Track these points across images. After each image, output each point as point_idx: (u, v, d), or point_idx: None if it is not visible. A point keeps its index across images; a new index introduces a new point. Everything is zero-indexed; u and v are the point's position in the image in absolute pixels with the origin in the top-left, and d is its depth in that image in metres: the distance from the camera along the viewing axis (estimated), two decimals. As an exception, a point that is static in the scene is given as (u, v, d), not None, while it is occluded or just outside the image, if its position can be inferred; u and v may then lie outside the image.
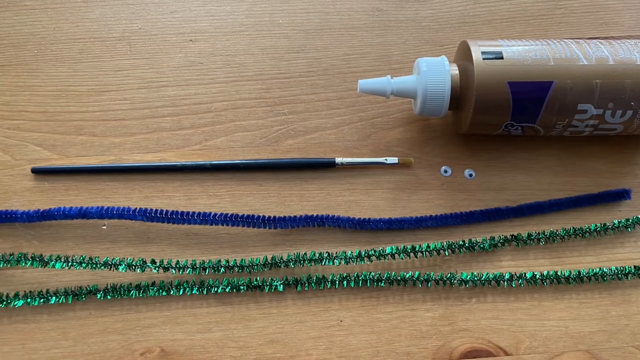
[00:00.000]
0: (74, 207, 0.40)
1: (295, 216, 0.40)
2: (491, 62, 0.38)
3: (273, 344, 0.38)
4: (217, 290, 0.38)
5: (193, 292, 0.38)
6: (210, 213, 0.40)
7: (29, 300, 0.38)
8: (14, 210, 0.40)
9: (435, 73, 0.40)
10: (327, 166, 0.42)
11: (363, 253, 0.39)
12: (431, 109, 0.41)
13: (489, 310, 0.39)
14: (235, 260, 0.39)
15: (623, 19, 0.48)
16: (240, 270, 0.39)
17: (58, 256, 0.38)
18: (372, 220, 0.41)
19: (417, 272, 0.39)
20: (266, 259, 0.39)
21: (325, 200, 0.42)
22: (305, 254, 0.39)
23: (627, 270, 0.39)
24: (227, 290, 0.38)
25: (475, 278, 0.39)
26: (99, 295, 0.38)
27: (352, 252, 0.39)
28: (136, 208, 0.40)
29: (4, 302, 0.38)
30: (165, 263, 0.39)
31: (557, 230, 0.41)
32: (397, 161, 0.42)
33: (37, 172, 0.42)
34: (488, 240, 0.40)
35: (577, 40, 0.40)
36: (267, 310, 0.39)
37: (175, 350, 0.37)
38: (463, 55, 0.40)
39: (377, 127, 0.44)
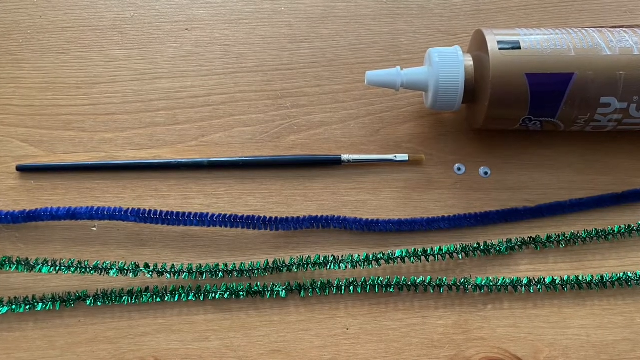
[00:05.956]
0: (61, 207, 0.39)
1: (298, 217, 0.40)
2: (508, 53, 0.38)
3: (275, 354, 0.37)
4: (214, 296, 0.38)
5: (189, 298, 0.38)
6: (207, 214, 0.39)
7: (13, 307, 0.38)
8: (-2, 210, 0.40)
9: (448, 64, 0.40)
10: (332, 163, 0.42)
11: (371, 256, 0.39)
12: (444, 102, 0.40)
13: (506, 318, 0.39)
14: (234, 264, 0.39)
15: (648, 7, 0.48)
16: (239, 275, 0.39)
17: (45, 260, 0.38)
18: (381, 221, 0.40)
19: (428, 277, 0.39)
20: (267, 263, 0.39)
21: (330, 200, 0.42)
22: (309, 257, 0.39)
23: (653, 275, 0.39)
24: (225, 296, 0.38)
25: (491, 283, 0.39)
26: (88, 302, 0.38)
27: (359, 256, 0.39)
28: (128, 208, 0.39)
29: (-12, 309, 0.38)
30: (159, 267, 0.39)
31: (578, 232, 0.40)
32: (407, 158, 0.42)
33: (23, 169, 0.42)
34: (504, 243, 0.40)
35: (600, 29, 0.40)
36: (269, 317, 0.38)
37: (171, 360, 0.37)
38: (478, 45, 0.40)
39: (386, 122, 0.44)
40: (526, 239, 0.40)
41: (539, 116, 0.39)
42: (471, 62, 0.40)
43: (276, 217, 0.40)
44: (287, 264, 0.39)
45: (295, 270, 0.39)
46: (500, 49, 0.38)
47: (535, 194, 0.42)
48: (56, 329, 0.38)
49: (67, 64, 0.45)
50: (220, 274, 0.39)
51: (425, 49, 0.45)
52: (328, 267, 0.39)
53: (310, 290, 0.39)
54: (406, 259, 0.39)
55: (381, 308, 0.39)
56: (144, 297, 0.38)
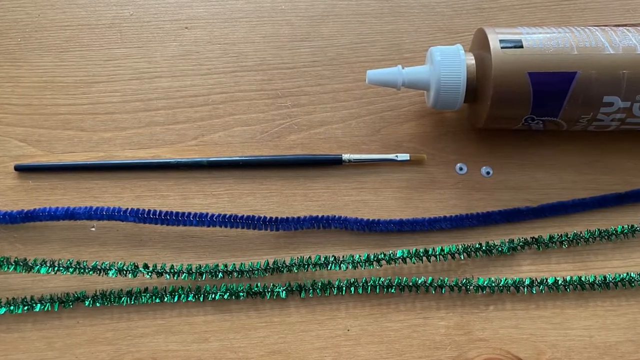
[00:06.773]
0: (60, 207, 0.39)
1: (298, 217, 0.40)
2: (510, 51, 0.38)
3: (275, 355, 0.37)
4: (214, 297, 0.38)
5: (189, 299, 0.38)
6: (207, 214, 0.39)
7: (12, 307, 0.38)
8: (-4, 210, 0.40)
9: (450, 63, 0.40)
10: (333, 163, 0.42)
11: (372, 257, 0.39)
12: (445, 101, 0.40)
13: (508, 319, 0.39)
14: (234, 264, 0.39)
15: (652, 5, 0.48)
16: (239, 276, 0.39)
17: (43, 260, 0.38)
18: (382, 221, 0.40)
19: (430, 278, 0.39)
20: (267, 264, 0.39)
21: (331, 200, 0.41)
22: (309, 258, 0.39)
23: (657, 276, 0.39)
24: (225, 297, 0.38)
25: (493, 284, 0.39)
26: (87, 303, 0.38)
27: (360, 256, 0.39)
28: (127, 208, 0.39)
29: (-14, 310, 0.38)
30: (158, 268, 0.38)
31: (581, 233, 0.40)
32: (408, 158, 0.42)
33: (21, 169, 0.42)
34: (507, 243, 0.40)
35: (603, 27, 0.40)
36: (269, 318, 0.38)
37: (170, 361, 0.37)
38: (480, 44, 0.40)
39: (387, 121, 0.44)
40: (528, 239, 0.40)
41: (541, 115, 0.39)
42: (473, 61, 0.40)
43: (276, 217, 0.40)
44: (287, 264, 0.39)
45: (296, 271, 0.39)
46: (502, 47, 0.38)
47: (538, 194, 0.42)
48: (55, 330, 0.38)
49: (66, 63, 0.45)
50: (220, 274, 0.39)
51: (426, 47, 0.45)
52: (329, 268, 0.39)
53: (311, 291, 0.39)
54: (407, 259, 0.39)
55: (382, 309, 0.39)
56: (143, 297, 0.38)
